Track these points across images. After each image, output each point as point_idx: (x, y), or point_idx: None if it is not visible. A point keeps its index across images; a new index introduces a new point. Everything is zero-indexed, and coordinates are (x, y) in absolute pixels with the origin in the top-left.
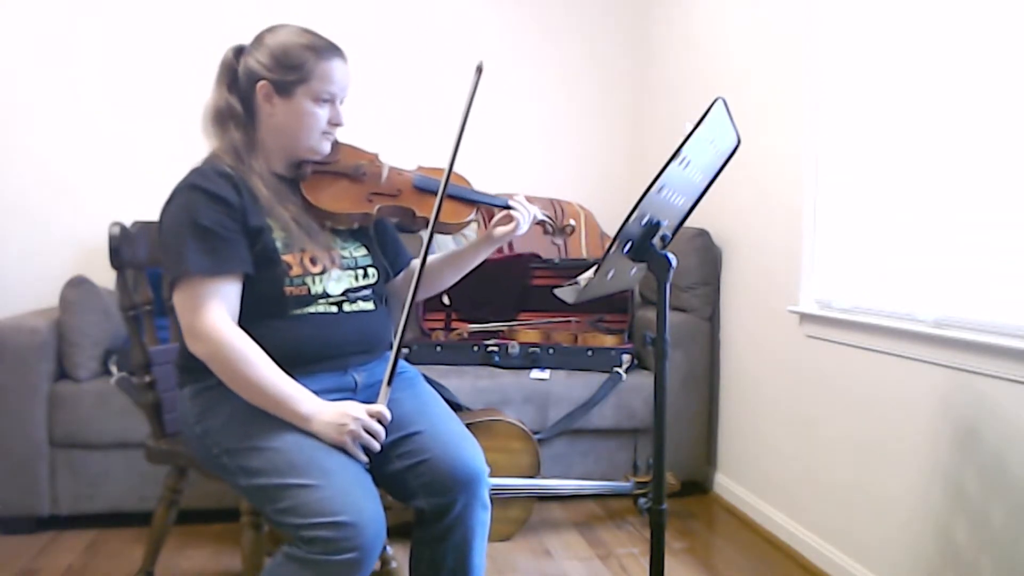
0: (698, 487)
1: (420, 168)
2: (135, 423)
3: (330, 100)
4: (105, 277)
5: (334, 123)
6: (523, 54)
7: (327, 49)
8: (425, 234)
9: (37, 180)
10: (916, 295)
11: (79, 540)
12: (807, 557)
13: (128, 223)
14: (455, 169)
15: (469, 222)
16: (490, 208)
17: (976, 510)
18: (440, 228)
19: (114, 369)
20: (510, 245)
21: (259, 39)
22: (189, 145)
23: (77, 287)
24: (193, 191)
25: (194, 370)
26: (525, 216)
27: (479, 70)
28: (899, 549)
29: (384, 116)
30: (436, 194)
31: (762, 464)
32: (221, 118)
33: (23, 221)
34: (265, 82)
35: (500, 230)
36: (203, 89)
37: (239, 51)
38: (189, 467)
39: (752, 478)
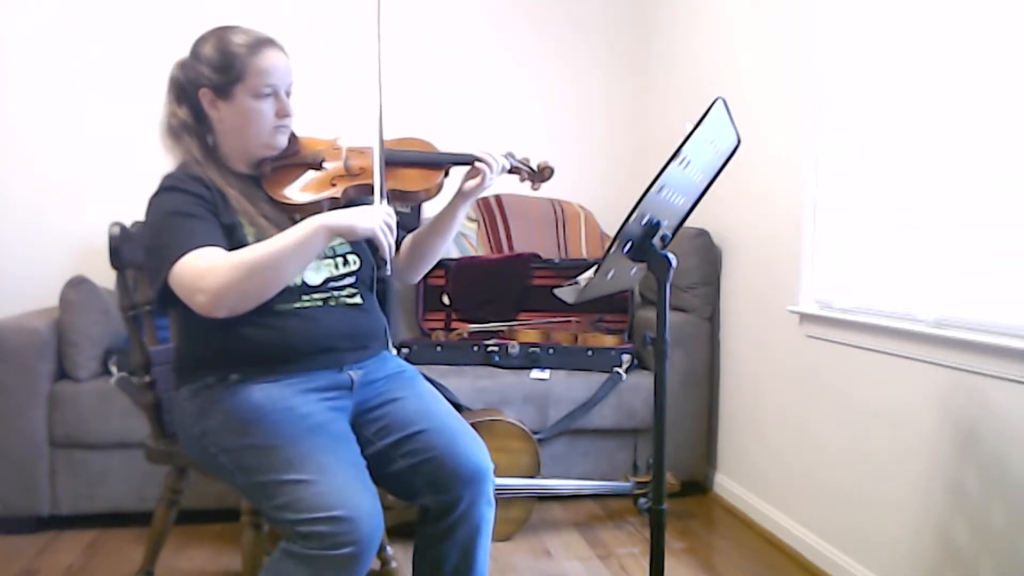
0: (698, 487)
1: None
2: (135, 423)
3: (272, 93)
4: (105, 277)
5: (282, 115)
6: (523, 54)
7: (258, 43)
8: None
9: (37, 180)
10: (916, 295)
11: (79, 540)
12: (807, 557)
13: (128, 223)
14: (418, 136)
15: (439, 184)
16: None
17: (976, 510)
18: (408, 197)
19: (114, 369)
20: (510, 245)
21: (193, 48)
22: None
23: (77, 287)
24: (169, 191)
25: (190, 371)
26: (493, 166)
27: None
28: (899, 549)
29: (386, 115)
30: (399, 165)
31: (762, 464)
32: (174, 131)
33: (23, 221)
34: (205, 89)
35: (469, 184)
36: None
37: (183, 64)
38: (189, 467)
39: (752, 478)
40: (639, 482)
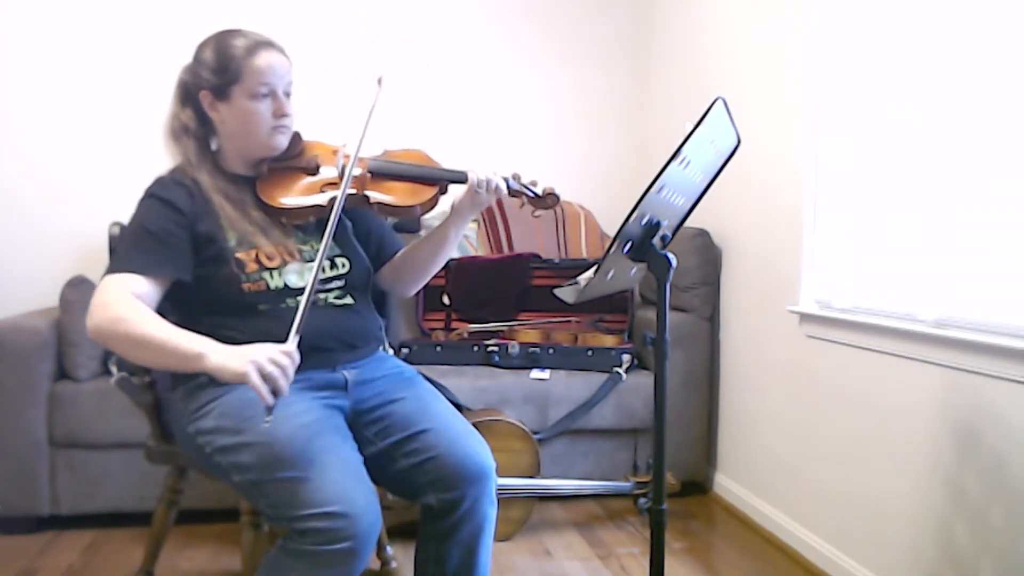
0: (698, 487)
1: (387, 152)
2: (135, 423)
3: (268, 93)
4: None
5: (280, 114)
6: (524, 54)
7: (255, 45)
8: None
9: (37, 180)
10: (916, 295)
11: (79, 540)
12: (807, 557)
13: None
14: (418, 147)
15: (431, 200)
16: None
17: (976, 510)
18: (395, 212)
19: (114, 369)
20: (510, 245)
21: (196, 52)
22: None
23: (77, 287)
24: (149, 199)
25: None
26: (484, 184)
27: (380, 82)
28: (899, 549)
29: (386, 115)
30: (393, 178)
31: (762, 464)
32: (175, 133)
33: (23, 221)
34: (205, 91)
35: (461, 201)
36: None
37: (187, 68)
38: (189, 467)
39: (752, 478)
40: (639, 482)
